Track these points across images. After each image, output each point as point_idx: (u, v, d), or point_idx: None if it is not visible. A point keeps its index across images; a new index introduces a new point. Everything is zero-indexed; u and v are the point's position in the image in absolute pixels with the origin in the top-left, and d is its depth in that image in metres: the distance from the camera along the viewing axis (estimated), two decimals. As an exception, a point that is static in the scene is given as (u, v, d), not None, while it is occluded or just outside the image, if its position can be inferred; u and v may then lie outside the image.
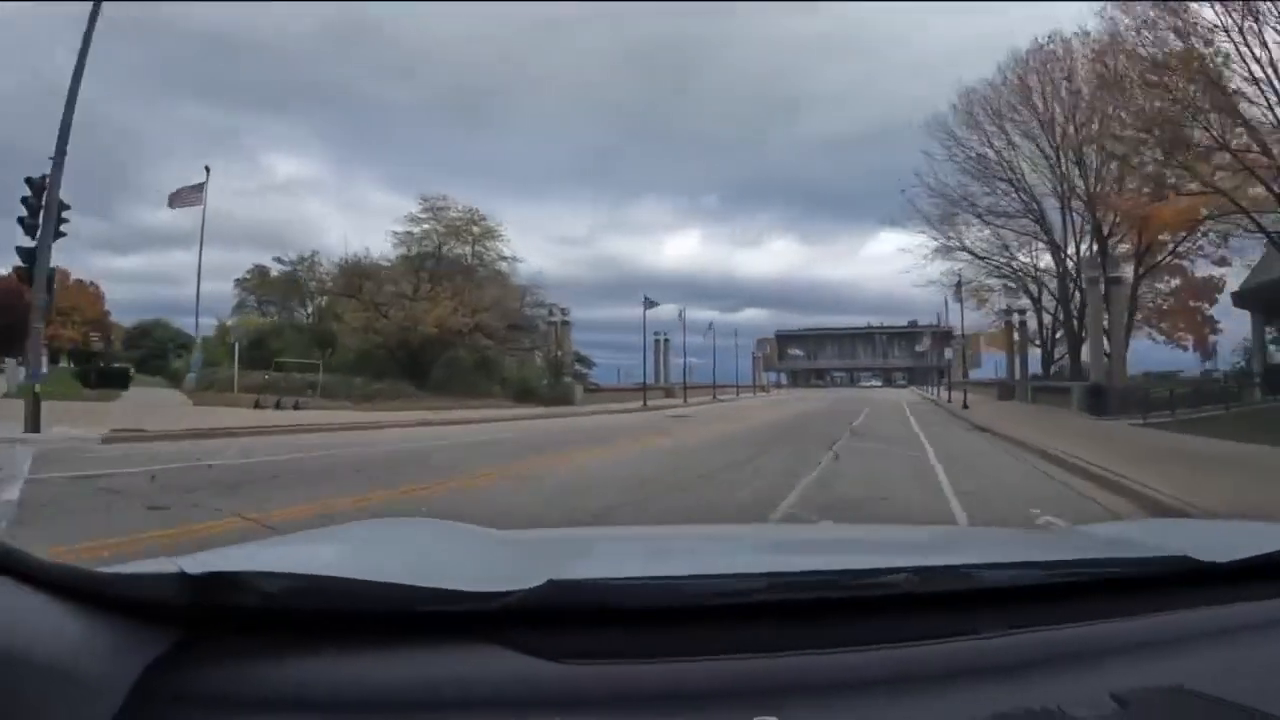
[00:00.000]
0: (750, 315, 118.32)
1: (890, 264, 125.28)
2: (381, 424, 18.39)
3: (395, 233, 35.44)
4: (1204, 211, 22.87)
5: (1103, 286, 27.49)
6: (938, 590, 1.09)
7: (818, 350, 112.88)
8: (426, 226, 35.17)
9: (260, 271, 45.17)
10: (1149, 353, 35.42)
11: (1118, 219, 27.88)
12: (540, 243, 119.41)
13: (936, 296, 41.22)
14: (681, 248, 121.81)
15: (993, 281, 36.82)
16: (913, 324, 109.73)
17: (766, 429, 19.15)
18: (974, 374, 59.92)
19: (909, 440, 16.08)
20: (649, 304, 39.21)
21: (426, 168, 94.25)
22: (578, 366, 41.11)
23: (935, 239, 35.89)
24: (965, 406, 31.09)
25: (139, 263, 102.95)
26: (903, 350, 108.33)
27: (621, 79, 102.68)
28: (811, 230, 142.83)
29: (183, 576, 0.91)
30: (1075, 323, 32.50)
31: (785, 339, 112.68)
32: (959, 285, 36.14)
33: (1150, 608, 1.14)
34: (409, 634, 0.95)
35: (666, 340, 48.91)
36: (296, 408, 22.79)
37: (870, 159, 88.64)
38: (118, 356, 48.21)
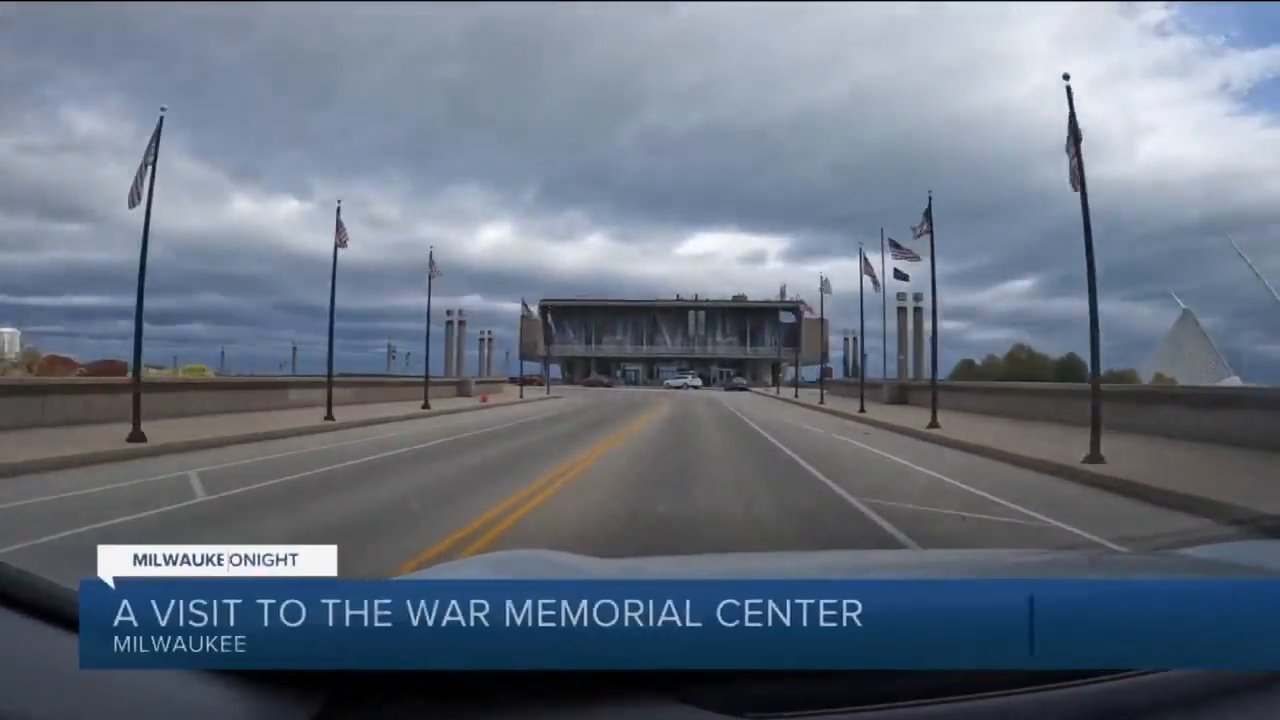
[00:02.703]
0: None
1: (705, 264, 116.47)
2: None
3: None
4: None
5: None
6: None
7: (603, 330, 76.75)
8: None
9: None
10: None
11: None
12: (356, 226, 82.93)
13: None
14: (493, 238, 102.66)
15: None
16: (739, 299, 78.21)
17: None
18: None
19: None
20: None
21: (240, 136, 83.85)
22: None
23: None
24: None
25: None
26: (731, 334, 75.27)
27: (454, 58, 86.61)
28: (625, 228, 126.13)
29: None
30: None
31: (555, 313, 75.37)
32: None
33: None
34: (576, 690, 0.88)
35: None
36: None
37: (696, 159, 79.74)
38: None
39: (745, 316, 74.47)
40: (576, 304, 76.15)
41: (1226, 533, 5.23)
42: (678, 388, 59.45)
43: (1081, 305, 13.42)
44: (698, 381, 64.45)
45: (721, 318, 75.26)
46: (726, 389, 57.35)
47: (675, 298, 75.32)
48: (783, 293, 74.64)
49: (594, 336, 75.50)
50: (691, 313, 75.06)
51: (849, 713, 0.93)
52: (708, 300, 75.62)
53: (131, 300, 12.30)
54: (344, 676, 0.86)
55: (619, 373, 75.72)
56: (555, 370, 79.48)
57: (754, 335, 74.10)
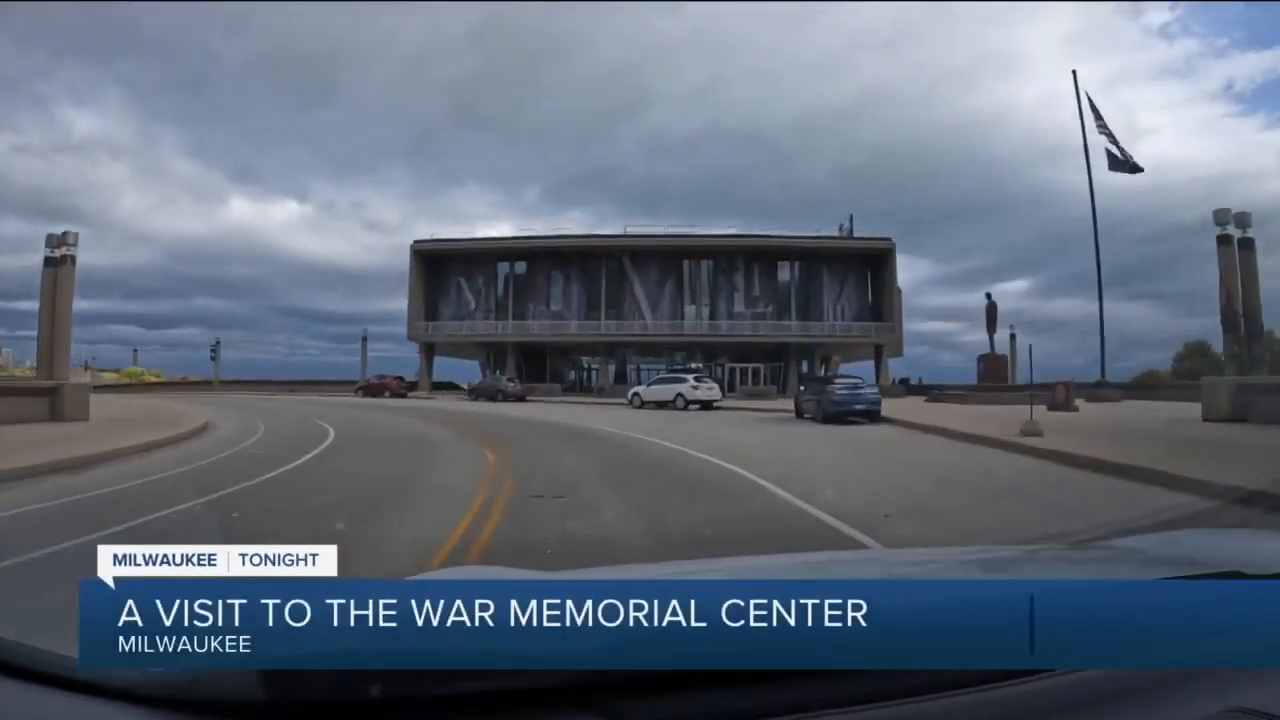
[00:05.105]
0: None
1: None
2: None
3: None
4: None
5: None
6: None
7: (540, 290, 43.26)
8: None
9: None
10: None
11: None
12: (354, 229, 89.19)
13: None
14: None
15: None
16: (800, 238, 45.73)
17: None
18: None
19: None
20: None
21: (238, 136, 79.52)
22: None
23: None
24: None
25: None
26: (762, 302, 42.72)
27: (456, 58, 75.28)
28: (626, 227, 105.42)
29: (265, 674, 0.87)
30: None
31: (450, 268, 43.25)
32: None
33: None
34: (501, 710, 0.88)
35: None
36: None
37: (700, 160, 72.24)
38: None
39: (785, 268, 42.25)
40: (483, 250, 43.01)
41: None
42: (666, 403, 25.55)
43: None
44: (712, 390, 27.29)
45: (744, 270, 42.51)
46: (828, 413, 17.70)
47: (664, 235, 42.90)
48: (846, 229, 42.68)
49: (517, 308, 43.04)
50: (688, 263, 42.51)
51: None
52: (723, 234, 42.96)
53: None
54: (281, 704, 0.85)
55: (571, 371, 43.79)
56: (475, 365, 47.75)
57: (802, 304, 41.97)
